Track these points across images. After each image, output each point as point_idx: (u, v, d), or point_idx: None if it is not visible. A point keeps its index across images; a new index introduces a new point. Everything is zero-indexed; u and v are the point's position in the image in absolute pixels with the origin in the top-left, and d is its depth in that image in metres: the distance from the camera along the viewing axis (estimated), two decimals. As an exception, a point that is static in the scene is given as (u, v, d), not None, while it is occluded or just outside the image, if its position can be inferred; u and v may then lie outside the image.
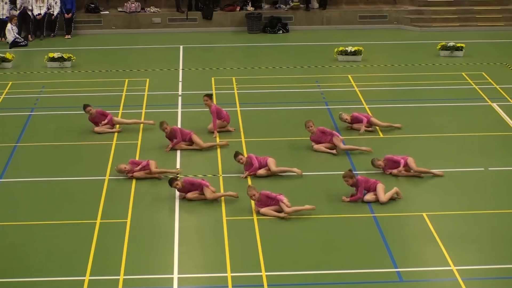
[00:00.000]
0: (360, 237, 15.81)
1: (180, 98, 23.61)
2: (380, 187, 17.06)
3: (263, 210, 16.60)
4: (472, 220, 16.51)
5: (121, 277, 14.41)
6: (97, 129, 20.85)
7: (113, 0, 32.93)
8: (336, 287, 14.19)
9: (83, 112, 21.09)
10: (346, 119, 20.80)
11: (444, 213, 16.73)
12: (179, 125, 21.16)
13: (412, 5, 33.02)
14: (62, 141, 20.61)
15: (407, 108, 22.79)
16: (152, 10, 32.50)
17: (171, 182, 17.15)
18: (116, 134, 20.77)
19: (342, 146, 19.47)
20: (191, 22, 32.29)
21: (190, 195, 17.17)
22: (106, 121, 20.86)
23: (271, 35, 31.43)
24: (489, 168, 18.85)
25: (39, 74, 26.33)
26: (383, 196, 16.94)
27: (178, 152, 19.65)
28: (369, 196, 17.06)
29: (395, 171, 18.20)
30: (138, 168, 18.17)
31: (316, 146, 19.62)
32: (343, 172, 17.39)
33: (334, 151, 19.44)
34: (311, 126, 19.58)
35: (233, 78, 25.50)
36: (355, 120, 20.81)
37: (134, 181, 18.14)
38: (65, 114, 22.55)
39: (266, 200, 16.59)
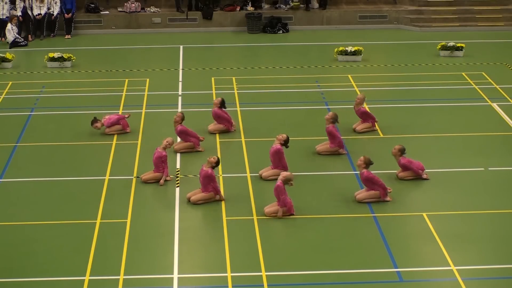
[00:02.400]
0: (360, 237, 15.82)
1: (180, 98, 23.61)
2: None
3: (268, 211, 16.60)
4: (472, 220, 16.51)
5: (121, 277, 14.41)
6: (107, 130, 20.83)
7: (113, 0, 32.94)
8: (336, 287, 14.20)
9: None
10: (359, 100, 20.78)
11: (444, 213, 16.74)
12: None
13: (412, 5, 33.03)
14: (62, 141, 20.62)
15: (407, 108, 22.80)
16: (152, 10, 32.51)
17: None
18: (116, 134, 20.76)
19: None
20: (191, 22, 32.30)
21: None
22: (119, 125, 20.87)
23: (271, 35, 31.44)
24: (489, 168, 18.86)
25: (39, 74, 26.33)
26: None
27: (178, 153, 19.65)
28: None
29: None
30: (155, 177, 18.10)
31: (319, 148, 19.62)
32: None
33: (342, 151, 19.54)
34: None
35: (233, 78, 25.51)
36: (362, 116, 20.76)
37: (134, 181, 18.15)
38: (65, 114, 22.56)
39: (278, 192, 16.52)
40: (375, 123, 20.89)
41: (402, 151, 18.18)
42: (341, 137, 19.63)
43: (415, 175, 18.18)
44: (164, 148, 18.05)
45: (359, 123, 20.83)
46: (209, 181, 17.04)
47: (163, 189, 17.82)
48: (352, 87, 24.43)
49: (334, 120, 19.35)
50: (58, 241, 15.74)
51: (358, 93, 23.67)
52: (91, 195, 17.62)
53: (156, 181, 18.07)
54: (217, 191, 17.12)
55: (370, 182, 17.07)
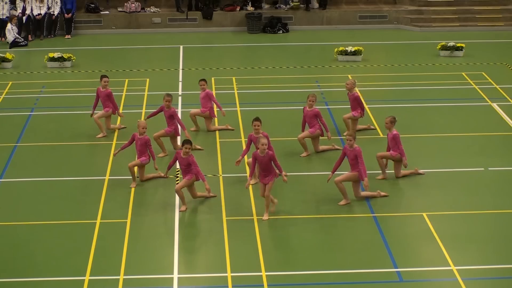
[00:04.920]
0: (360, 237, 15.82)
1: (180, 98, 23.59)
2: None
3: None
4: (472, 220, 16.51)
5: (121, 277, 14.41)
6: (111, 126, 20.88)
7: (113, 0, 32.96)
8: (336, 287, 14.20)
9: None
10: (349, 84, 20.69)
11: (444, 213, 16.74)
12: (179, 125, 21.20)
13: (412, 5, 33.05)
14: (62, 141, 20.62)
15: (407, 108, 22.80)
16: (152, 10, 32.52)
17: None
18: (116, 134, 20.75)
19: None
20: (191, 22, 32.31)
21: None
22: (110, 110, 20.80)
23: (271, 35, 31.45)
24: (489, 168, 18.86)
25: (39, 74, 26.34)
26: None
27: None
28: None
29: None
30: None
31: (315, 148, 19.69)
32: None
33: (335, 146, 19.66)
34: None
35: (233, 78, 25.51)
36: (354, 102, 20.68)
37: (134, 183, 18.13)
38: (65, 114, 22.56)
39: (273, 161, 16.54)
40: (362, 114, 20.74)
41: (394, 122, 18.21)
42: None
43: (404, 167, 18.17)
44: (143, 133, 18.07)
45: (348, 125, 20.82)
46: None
47: (163, 189, 17.82)
48: (352, 87, 24.43)
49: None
50: (58, 241, 15.73)
51: (359, 93, 23.67)
52: (91, 195, 17.62)
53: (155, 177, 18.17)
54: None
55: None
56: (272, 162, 16.46)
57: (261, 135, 17.34)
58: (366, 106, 21.62)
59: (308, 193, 17.68)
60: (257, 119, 17.90)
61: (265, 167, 16.42)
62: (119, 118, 21.52)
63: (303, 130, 19.68)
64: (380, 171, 18.35)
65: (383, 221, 16.38)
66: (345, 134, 17.29)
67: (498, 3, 33.01)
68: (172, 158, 17.21)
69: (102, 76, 21.01)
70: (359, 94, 21.00)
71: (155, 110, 20.13)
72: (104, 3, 32.90)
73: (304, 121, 19.64)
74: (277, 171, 16.57)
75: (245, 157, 18.24)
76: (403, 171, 18.33)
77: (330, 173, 17.23)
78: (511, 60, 27.60)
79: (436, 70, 26.55)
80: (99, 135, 20.71)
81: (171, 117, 19.64)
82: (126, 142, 18.40)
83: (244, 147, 19.99)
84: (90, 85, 24.88)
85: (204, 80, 21.09)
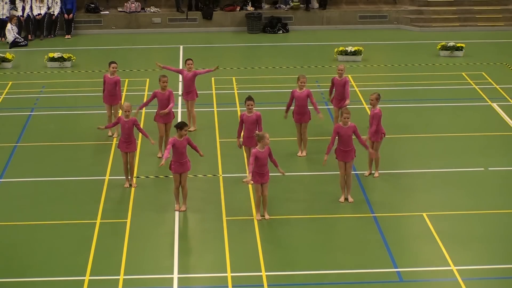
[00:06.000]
0: (360, 237, 15.82)
1: (180, 98, 23.58)
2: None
3: None
4: (472, 220, 16.51)
5: (121, 277, 14.41)
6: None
7: (113, 0, 32.96)
8: (336, 287, 14.20)
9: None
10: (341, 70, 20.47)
11: (444, 213, 16.74)
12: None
13: (412, 5, 33.05)
14: (62, 141, 20.62)
15: (407, 108, 22.80)
16: (152, 10, 32.52)
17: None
18: (116, 134, 20.76)
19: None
20: (191, 22, 32.31)
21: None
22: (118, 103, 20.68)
23: (271, 35, 31.44)
24: (489, 168, 18.86)
25: (39, 74, 26.34)
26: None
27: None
28: None
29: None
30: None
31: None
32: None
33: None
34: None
35: (233, 78, 25.51)
36: (343, 86, 20.47)
37: (134, 181, 18.11)
38: (65, 114, 22.56)
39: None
40: (345, 104, 20.57)
41: (379, 99, 18.13)
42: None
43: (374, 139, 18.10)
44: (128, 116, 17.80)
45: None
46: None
47: (163, 189, 17.82)
48: (352, 87, 24.39)
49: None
50: (58, 241, 15.73)
51: (358, 93, 23.71)
52: (91, 195, 17.62)
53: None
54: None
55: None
56: (269, 156, 16.29)
57: (257, 131, 17.19)
58: (365, 105, 21.59)
59: (308, 193, 17.68)
60: (250, 98, 17.89)
61: (264, 163, 16.29)
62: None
63: (287, 112, 19.42)
64: (377, 170, 18.37)
65: (383, 221, 16.38)
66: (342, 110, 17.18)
67: (498, 3, 33.01)
68: (166, 147, 16.98)
69: (111, 62, 20.70)
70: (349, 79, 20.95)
71: (147, 99, 19.72)
72: (104, 3, 32.90)
73: (289, 103, 19.41)
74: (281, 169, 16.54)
75: (246, 163, 18.25)
76: (375, 157, 18.21)
77: (328, 173, 17.22)
78: (511, 60, 27.59)
79: (436, 70, 26.55)
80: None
81: (168, 100, 19.19)
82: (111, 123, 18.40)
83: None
84: (90, 85, 24.88)
85: (191, 59, 20.94)
